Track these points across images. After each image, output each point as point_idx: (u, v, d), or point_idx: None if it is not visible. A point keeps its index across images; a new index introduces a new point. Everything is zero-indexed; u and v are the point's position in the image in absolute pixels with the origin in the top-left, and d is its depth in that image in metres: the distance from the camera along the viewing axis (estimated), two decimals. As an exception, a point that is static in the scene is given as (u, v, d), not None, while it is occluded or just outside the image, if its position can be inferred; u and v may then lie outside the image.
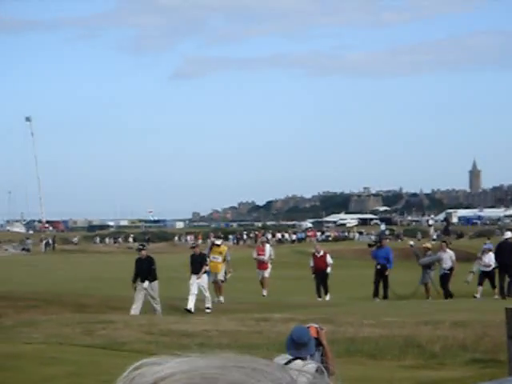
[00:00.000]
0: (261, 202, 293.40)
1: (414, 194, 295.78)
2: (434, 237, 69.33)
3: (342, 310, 20.88)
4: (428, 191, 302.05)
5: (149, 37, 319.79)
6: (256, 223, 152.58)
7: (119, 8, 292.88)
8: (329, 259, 25.98)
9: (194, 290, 21.68)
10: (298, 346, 6.82)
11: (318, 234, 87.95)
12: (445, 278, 25.36)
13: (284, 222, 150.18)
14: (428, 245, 28.47)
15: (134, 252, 71.81)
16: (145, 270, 20.92)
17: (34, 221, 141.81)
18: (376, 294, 25.28)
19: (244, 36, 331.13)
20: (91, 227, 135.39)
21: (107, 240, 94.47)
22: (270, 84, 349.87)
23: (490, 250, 25.69)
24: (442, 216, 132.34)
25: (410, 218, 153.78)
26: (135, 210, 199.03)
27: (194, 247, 23.88)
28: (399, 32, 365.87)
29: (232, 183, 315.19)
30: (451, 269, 25.39)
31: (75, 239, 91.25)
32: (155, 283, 21.00)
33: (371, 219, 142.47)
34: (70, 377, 10.11)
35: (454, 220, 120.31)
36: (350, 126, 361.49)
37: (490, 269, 25.00)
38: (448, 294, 25.17)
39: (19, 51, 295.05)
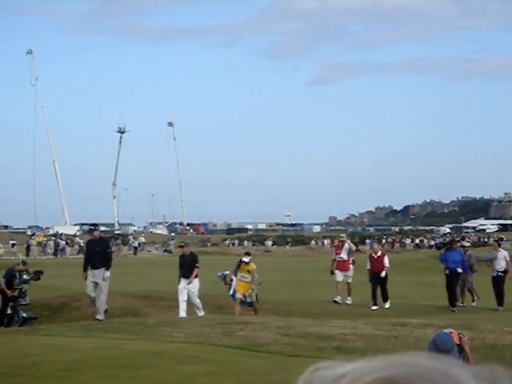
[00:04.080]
0: (398, 207, 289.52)
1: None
2: None
3: (482, 316, 20.43)
4: None
5: (288, 43, 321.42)
6: (393, 228, 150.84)
7: (259, 15, 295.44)
8: (386, 261, 23.43)
9: (182, 297, 19.87)
10: (441, 353, 6.76)
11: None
12: (498, 281, 23.18)
13: (421, 227, 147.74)
14: None
15: (271, 255, 72.35)
16: (100, 253, 18.58)
17: (175, 223, 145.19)
18: (452, 303, 22.70)
19: (383, 41, 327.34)
20: (230, 230, 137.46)
21: (245, 243, 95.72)
22: (407, 89, 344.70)
23: None
24: None
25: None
26: (273, 213, 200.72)
27: (183, 246, 21.48)
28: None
29: (369, 188, 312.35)
30: (505, 271, 23.36)
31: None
32: (107, 270, 18.69)
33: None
34: (210, 376, 10.36)
35: None
36: (489, 131, 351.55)
37: None
38: (500, 301, 22.93)
39: (162, 58, 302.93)
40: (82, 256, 62.82)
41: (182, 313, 19.50)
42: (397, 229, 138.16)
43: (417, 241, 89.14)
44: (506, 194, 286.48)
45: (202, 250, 77.16)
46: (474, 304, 23.62)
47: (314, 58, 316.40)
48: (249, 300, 20.81)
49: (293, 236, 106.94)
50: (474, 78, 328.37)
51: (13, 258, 53.30)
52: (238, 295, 20.59)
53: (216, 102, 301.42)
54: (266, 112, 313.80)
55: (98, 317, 18.48)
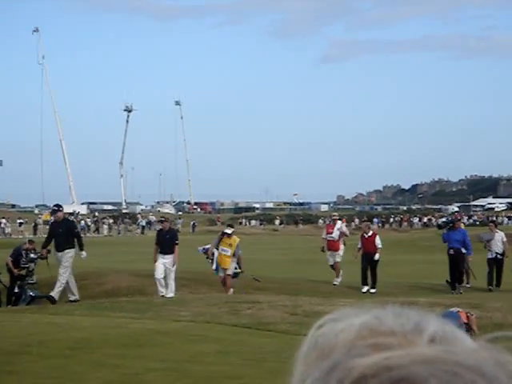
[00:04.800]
0: (406, 186, 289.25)
1: None
2: None
3: (490, 295, 20.39)
4: None
5: (296, 21, 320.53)
6: (401, 207, 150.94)
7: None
8: (378, 241, 22.36)
9: (158, 275, 19.25)
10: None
11: (465, 218, 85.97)
12: (498, 263, 22.57)
13: (430, 206, 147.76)
14: None
15: (279, 234, 72.30)
16: (63, 235, 18.05)
17: (183, 202, 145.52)
18: (459, 282, 22.05)
19: (392, 18, 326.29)
20: (238, 209, 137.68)
21: (253, 222, 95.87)
22: (416, 66, 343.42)
23: None
24: None
25: None
26: (281, 192, 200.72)
27: (162, 221, 21.09)
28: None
29: (377, 166, 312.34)
30: (503, 253, 22.79)
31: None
32: (71, 252, 18.25)
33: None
34: (217, 354, 10.35)
35: None
36: (498, 109, 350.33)
37: None
38: (497, 283, 22.43)
39: (170, 37, 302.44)
40: (88, 235, 62.85)
41: (162, 290, 19.07)
42: (405, 208, 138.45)
43: (425, 220, 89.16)
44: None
45: (209, 229, 77.36)
46: (468, 285, 23.01)
47: (322, 36, 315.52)
48: (227, 273, 20.11)
49: (300, 215, 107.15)
50: (483, 56, 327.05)
51: (20, 236, 53.44)
52: (221, 273, 20.13)
53: (224, 80, 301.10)
54: (275, 90, 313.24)
55: (71, 298, 18.22)
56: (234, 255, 20.15)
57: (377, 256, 22.05)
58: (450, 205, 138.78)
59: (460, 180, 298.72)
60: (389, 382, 0.82)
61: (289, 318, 14.34)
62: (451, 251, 22.00)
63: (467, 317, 7.39)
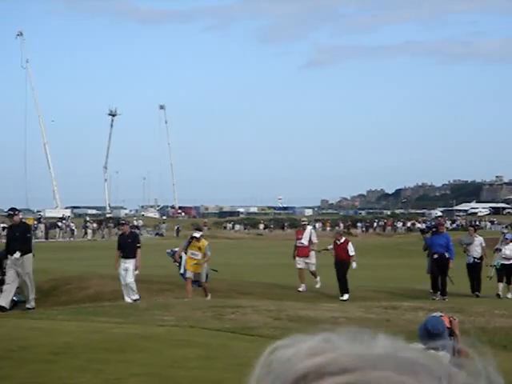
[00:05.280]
0: (390, 190, 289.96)
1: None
2: None
3: (472, 300, 20.48)
4: None
5: (282, 26, 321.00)
6: (385, 211, 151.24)
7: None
8: (350, 248, 21.68)
9: (124, 280, 19.06)
10: (432, 336, 6.75)
11: (449, 222, 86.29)
12: (475, 268, 22.31)
13: (413, 211, 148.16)
14: None
15: (263, 238, 72.12)
16: (18, 239, 17.37)
17: (167, 206, 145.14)
18: (436, 289, 21.67)
19: (376, 24, 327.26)
20: (222, 213, 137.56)
21: (237, 226, 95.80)
22: (400, 72, 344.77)
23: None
24: None
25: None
26: (265, 197, 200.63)
27: (122, 224, 20.69)
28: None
29: (361, 171, 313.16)
30: (481, 258, 22.52)
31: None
32: (29, 256, 17.54)
33: (504, 208, 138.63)
34: (201, 359, 10.34)
35: None
36: (481, 114, 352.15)
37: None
38: (477, 288, 22.23)
39: (154, 41, 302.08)
40: (75, 240, 62.52)
41: (127, 298, 18.92)
42: (389, 212, 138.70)
43: (408, 224, 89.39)
44: (497, 177, 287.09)
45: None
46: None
47: (307, 41, 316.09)
48: (201, 280, 19.71)
49: (284, 219, 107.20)
50: (466, 61, 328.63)
51: (3, 241, 53.19)
52: (189, 274, 19.58)
53: (208, 85, 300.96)
54: (259, 95, 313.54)
55: (28, 305, 17.64)
56: (204, 257, 19.67)
57: (354, 265, 21.52)
58: (434, 209, 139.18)
59: (443, 185, 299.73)
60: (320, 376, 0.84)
61: (273, 322, 14.36)
62: (435, 256, 21.59)
63: (450, 321, 7.41)
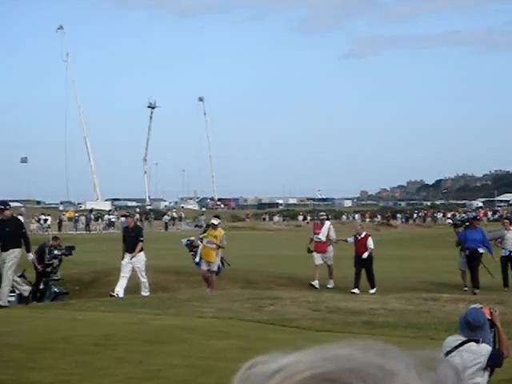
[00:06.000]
0: (430, 181, 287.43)
1: None
2: None
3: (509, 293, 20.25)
4: None
5: (320, 16, 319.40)
6: (425, 202, 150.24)
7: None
8: (370, 243, 21.29)
9: (125, 273, 18.61)
10: (472, 328, 6.70)
11: (490, 213, 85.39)
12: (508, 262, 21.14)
13: (454, 201, 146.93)
14: None
15: (302, 230, 72.35)
16: (10, 234, 16.66)
17: (206, 198, 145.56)
18: (474, 285, 20.56)
19: (416, 13, 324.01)
20: (261, 205, 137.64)
21: (276, 218, 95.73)
22: (440, 61, 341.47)
23: None
24: None
25: None
26: (304, 188, 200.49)
27: (126, 216, 20.28)
28: None
29: (401, 162, 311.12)
30: None
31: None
32: (16, 251, 16.70)
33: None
34: (240, 351, 10.35)
35: None
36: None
37: None
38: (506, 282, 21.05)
39: (193, 33, 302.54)
40: (112, 231, 63.17)
41: (119, 289, 18.44)
42: (429, 203, 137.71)
43: (449, 215, 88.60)
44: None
45: (233, 225, 77.42)
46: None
47: (346, 32, 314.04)
48: (212, 269, 19.33)
49: (323, 210, 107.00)
50: (507, 50, 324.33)
51: (46, 233, 53.79)
52: (204, 266, 19.32)
53: (246, 76, 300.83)
54: (298, 86, 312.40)
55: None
56: (219, 248, 19.37)
57: (365, 254, 20.98)
58: (475, 200, 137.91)
59: (484, 175, 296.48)
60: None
61: (312, 314, 14.34)
62: (467, 251, 20.81)
63: (490, 313, 7.34)
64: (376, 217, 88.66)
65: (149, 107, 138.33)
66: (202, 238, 19.64)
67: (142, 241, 18.96)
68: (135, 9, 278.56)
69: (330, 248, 22.30)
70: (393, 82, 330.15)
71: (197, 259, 19.63)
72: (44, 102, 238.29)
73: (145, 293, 18.66)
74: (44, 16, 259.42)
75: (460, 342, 6.65)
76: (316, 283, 21.44)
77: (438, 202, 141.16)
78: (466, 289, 21.08)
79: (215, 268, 19.33)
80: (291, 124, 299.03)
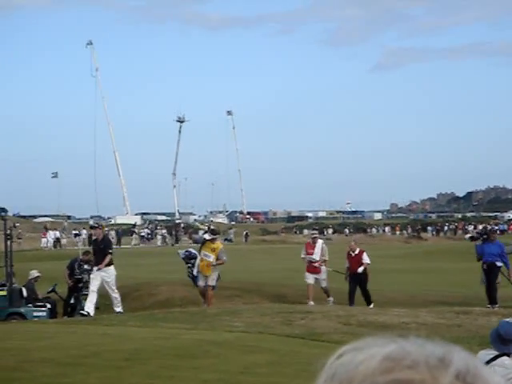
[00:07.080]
0: (461, 193, 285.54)
1: None
2: None
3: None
4: None
5: (348, 29, 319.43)
6: (456, 214, 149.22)
7: (318, 1, 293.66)
8: (365, 258, 20.74)
9: (93, 287, 17.77)
10: (505, 342, 6.61)
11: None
12: None
13: (485, 214, 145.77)
14: None
15: (332, 243, 72.24)
16: None
17: (235, 212, 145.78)
18: (493, 300, 19.91)
19: (445, 25, 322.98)
20: (290, 218, 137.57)
21: (305, 231, 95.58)
22: (469, 73, 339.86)
23: None
24: None
25: None
26: (333, 201, 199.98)
27: (95, 227, 19.27)
28: None
29: (431, 174, 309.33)
30: None
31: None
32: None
33: None
34: (270, 365, 10.31)
35: None
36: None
37: None
38: None
39: (222, 47, 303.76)
40: (142, 245, 63.37)
41: (89, 304, 17.86)
42: (459, 215, 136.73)
43: (480, 227, 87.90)
44: None
45: (262, 239, 77.42)
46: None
47: (373, 44, 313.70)
48: (209, 283, 18.82)
49: (353, 223, 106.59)
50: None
51: (75, 248, 54.15)
52: (201, 282, 18.86)
53: (275, 89, 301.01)
54: (326, 99, 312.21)
55: None
56: (217, 259, 18.84)
57: (360, 269, 20.45)
58: (506, 212, 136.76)
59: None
60: None
61: (342, 328, 14.26)
62: (484, 266, 20.10)
63: (524, 327, 7.23)
64: (406, 230, 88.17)
65: (178, 121, 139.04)
66: (199, 251, 19.28)
67: (110, 253, 18.24)
68: (165, 23, 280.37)
69: (324, 268, 21.11)
70: (421, 93, 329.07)
71: (195, 272, 19.23)
72: (73, 117, 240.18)
73: (117, 308, 18.14)
74: (74, 31, 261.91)
75: (492, 356, 6.56)
76: (311, 304, 19.79)
77: (468, 215, 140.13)
78: (489, 306, 20.54)
79: (213, 283, 18.83)
80: (320, 137, 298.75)
